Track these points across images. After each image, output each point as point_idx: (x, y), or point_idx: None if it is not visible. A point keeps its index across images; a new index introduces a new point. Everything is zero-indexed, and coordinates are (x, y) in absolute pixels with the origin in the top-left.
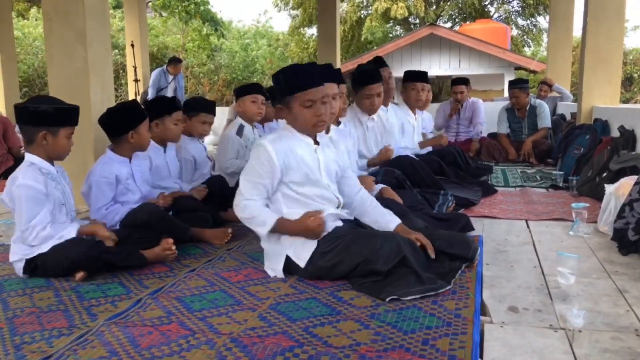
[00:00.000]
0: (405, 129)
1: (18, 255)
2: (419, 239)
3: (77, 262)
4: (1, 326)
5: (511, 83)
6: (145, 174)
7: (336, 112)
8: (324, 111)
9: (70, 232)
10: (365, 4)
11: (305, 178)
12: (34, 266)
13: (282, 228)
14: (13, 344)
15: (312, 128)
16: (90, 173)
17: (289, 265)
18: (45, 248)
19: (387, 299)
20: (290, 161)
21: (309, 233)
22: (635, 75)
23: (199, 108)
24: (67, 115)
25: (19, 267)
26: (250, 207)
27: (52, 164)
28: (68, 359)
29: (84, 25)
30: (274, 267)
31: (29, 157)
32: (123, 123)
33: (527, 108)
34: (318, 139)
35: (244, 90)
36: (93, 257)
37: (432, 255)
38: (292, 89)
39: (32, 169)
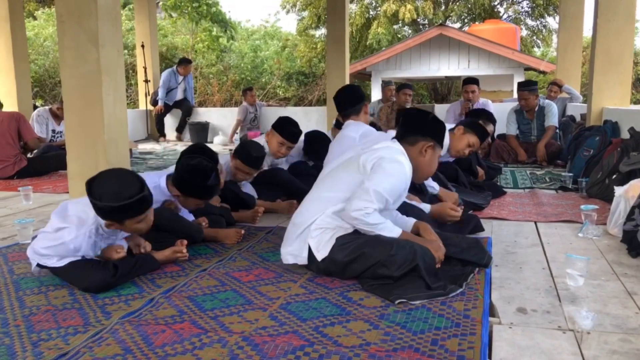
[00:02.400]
0: None
1: (31, 255)
2: (435, 241)
3: (91, 290)
4: (18, 323)
5: (520, 85)
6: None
7: None
8: None
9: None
10: (373, 5)
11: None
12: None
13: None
14: (30, 340)
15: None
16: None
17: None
18: (60, 263)
19: (396, 302)
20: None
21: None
22: None
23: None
24: (125, 211)
25: (34, 264)
26: (374, 216)
27: None
28: (84, 355)
29: (97, 27)
30: (297, 254)
31: (99, 219)
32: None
33: (536, 109)
34: None
35: (282, 128)
36: (105, 285)
37: (438, 265)
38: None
39: (94, 226)
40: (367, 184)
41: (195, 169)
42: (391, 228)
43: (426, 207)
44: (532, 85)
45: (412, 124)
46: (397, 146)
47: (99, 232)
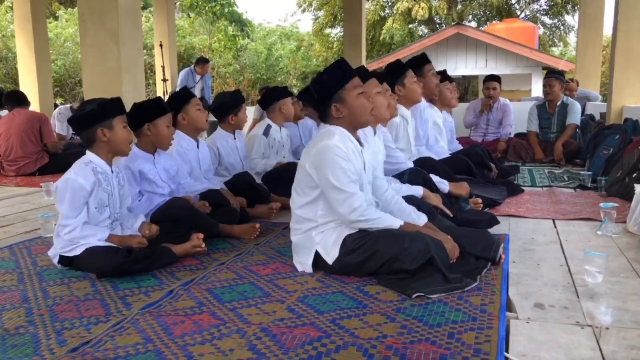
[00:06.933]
0: (441, 127)
1: (54, 251)
2: (446, 242)
3: (107, 273)
4: (42, 313)
5: (548, 73)
6: (170, 172)
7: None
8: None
9: (100, 237)
10: (388, 3)
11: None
12: (68, 262)
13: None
14: (54, 329)
15: (370, 117)
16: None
17: (317, 261)
18: (78, 251)
19: (413, 296)
20: (352, 161)
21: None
22: None
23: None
24: (113, 107)
25: (55, 261)
26: (370, 210)
27: (110, 164)
28: (106, 344)
29: (118, 26)
30: (303, 262)
31: (88, 155)
32: (140, 115)
33: (559, 104)
34: (361, 139)
35: (284, 93)
36: (123, 270)
37: (452, 261)
38: (340, 83)
39: (87, 168)
40: (327, 184)
41: (141, 102)
42: (392, 219)
43: (445, 186)
44: (560, 75)
45: None
46: (323, 131)
47: (97, 172)
